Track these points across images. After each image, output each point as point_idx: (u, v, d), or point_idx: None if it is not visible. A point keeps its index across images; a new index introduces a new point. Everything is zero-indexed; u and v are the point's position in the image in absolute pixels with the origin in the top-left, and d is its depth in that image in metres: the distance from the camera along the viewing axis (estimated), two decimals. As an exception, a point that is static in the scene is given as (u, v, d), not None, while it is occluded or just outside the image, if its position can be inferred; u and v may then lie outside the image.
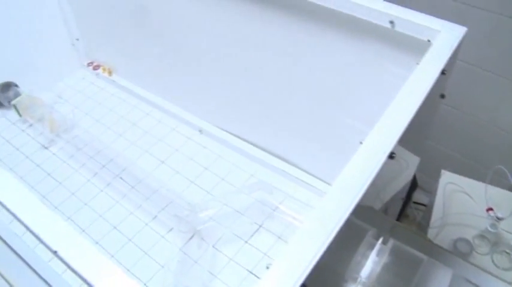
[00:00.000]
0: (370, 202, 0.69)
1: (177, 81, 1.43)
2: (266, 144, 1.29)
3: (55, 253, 0.53)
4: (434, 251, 1.01)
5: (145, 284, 1.06)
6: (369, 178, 0.59)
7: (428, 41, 0.84)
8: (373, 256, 0.90)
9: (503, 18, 1.29)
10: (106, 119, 1.47)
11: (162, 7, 1.29)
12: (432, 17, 0.86)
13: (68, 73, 1.65)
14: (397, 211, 1.35)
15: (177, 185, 1.25)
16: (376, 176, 0.60)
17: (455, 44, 0.81)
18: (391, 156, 0.63)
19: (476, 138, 1.59)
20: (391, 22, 0.86)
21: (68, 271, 1.03)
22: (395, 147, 0.64)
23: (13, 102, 1.41)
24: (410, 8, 0.88)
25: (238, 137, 1.34)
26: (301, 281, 0.49)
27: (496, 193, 1.31)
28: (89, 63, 1.66)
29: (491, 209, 1.24)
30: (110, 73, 1.61)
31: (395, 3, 0.89)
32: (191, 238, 1.12)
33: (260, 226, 1.14)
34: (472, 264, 1.01)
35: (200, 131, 1.39)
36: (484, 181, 1.33)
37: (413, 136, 0.74)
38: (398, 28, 0.86)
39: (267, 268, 0.51)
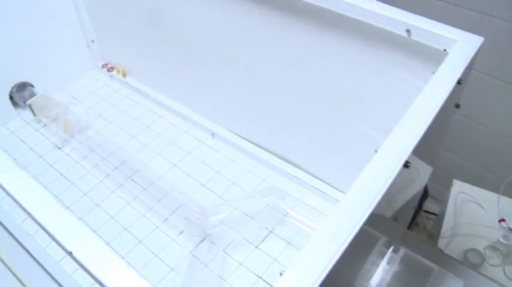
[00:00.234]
0: (381, 210, 0.69)
1: (190, 84, 1.44)
2: (278, 149, 1.29)
3: (70, 253, 0.54)
4: (445, 261, 1.01)
5: (154, 287, 1.06)
6: (384, 186, 0.59)
7: (445, 50, 0.84)
8: (383, 264, 0.90)
9: (520, 28, 1.29)
10: (119, 121, 1.48)
11: (177, 10, 1.30)
12: (449, 26, 0.86)
13: (83, 74, 1.66)
14: (408, 219, 1.34)
15: (189, 188, 1.25)
16: (390, 185, 0.60)
17: (471, 54, 0.80)
18: (406, 165, 0.63)
19: (489, 148, 1.58)
20: (408, 31, 0.86)
21: (78, 271, 1.05)
22: (410, 156, 0.64)
23: (28, 102, 1.43)
24: (427, 17, 0.88)
25: (251, 141, 1.34)
26: (314, 289, 0.49)
27: (508, 203, 1.30)
28: (103, 64, 1.68)
29: (503, 220, 1.24)
30: (124, 75, 1.62)
31: (412, 12, 0.89)
32: (201, 241, 1.12)
33: (271, 231, 1.14)
34: (484, 275, 1.00)
35: (212, 134, 1.39)
36: (496, 192, 1.32)
37: (426, 145, 0.74)
38: (414, 37, 0.86)
39: (281, 274, 0.51)
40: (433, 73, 0.78)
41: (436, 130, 0.79)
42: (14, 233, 1.11)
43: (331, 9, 0.93)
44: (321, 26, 0.99)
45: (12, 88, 1.45)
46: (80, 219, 1.19)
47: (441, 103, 0.71)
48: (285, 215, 1.16)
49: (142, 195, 1.24)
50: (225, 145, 1.37)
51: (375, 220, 0.60)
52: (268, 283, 1.05)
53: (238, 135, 1.37)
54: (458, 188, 1.39)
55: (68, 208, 1.22)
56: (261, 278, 1.06)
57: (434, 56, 0.84)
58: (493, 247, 1.21)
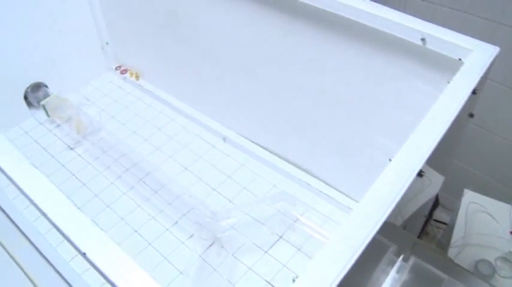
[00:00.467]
0: (392, 218, 0.69)
1: (203, 88, 1.44)
2: (290, 155, 1.29)
3: (84, 254, 0.54)
4: (456, 272, 1.00)
5: (163, 289, 1.06)
6: (398, 195, 0.59)
7: (460, 59, 0.83)
8: (393, 273, 0.89)
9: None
10: (131, 123, 1.49)
11: (191, 14, 1.30)
12: (464, 35, 0.86)
13: (96, 76, 1.67)
14: (419, 228, 1.33)
15: (199, 192, 1.26)
16: (404, 194, 0.59)
17: (487, 64, 0.80)
18: (420, 174, 0.63)
19: (502, 159, 1.57)
20: (423, 39, 0.86)
21: (88, 271, 1.05)
22: (423, 165, 0.64)
23: (42, 102, 1.44)
24: (442, 26, 0.87)
25: (262, 146, 1.34)
26: (326, 296, 0.49)
27: (520, 215, 1.29)
28: (117, 67, 1.69)
29: (515, 231, 1.23)
30: (137, 78, 1.63)
31: (427, 21, 0.89)
32: (211, 245, 1.12)
33: (280, 237, 1.14)
34: (494, 287, 1.00)
35: (224, 139, 1.40)
36: (508, 202, 1.31)
37: (439, 154, 0.74)
38: (429, 46, 0.86)
39: (293, 281, 0.51)
40: (448, 82, 0.78)
41: (449, 139, 0.79)
42: (26, 232, 1.12)
43: (349, 17, 0.93)
44: (338, 34, 0.99)
45: (27, 88, 1.46)
46: (91, 220, 1.19)
47: (456, 113, 0.71)
48: (295, 221, 1.16)
49: (153, 197, 1.24)
50: (237, 150, 1.37)
51: (385, 228, 0.60)
52: (276, 289, 1.05)
53: (250, 140, 1.37)
54: (470, 198, 1.38)
55: (79, 208, 1.22)
56: (270, 283, 1.06)
57: (449, 65, 0.84)
58: (504, 259, 1.20)
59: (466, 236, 1.30)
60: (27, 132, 1.46)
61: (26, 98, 1.48)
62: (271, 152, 1.33)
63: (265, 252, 1.12)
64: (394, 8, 0.91)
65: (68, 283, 1.03)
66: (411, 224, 1.14)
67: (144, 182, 1.28)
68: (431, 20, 0.88)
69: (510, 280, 1.16)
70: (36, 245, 1.10)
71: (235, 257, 1.11)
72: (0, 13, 1.32)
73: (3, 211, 1.17)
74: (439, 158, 0.89)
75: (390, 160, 0.64)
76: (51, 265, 1.07)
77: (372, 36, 0.92)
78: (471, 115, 0.92)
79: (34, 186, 0.65)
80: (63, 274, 1.05)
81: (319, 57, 1.07)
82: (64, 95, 1.49)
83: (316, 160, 1.24)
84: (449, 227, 1.43)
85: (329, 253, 0.53)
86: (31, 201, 0.63)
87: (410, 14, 0.89)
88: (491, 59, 0.81)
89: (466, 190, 1.40)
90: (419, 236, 1.52)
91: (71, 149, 1.40)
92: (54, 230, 0.63)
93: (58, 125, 1.47)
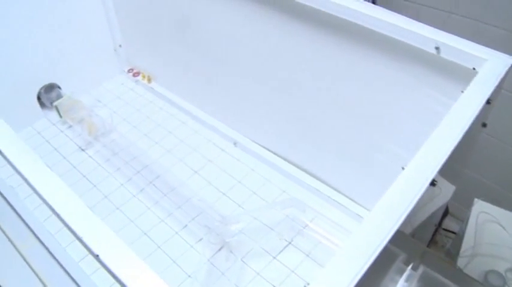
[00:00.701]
0: (403, 226, 0.69)
1: (214, 92, 1.45)
2: (300, 161, 1.29)
3: (97, 257, 0.54)
4: (465, 282, 0.99)
5: (172, 293, 1.06)
6: (410, 204, 0.58)
7: (474, 69, 0.83)
8: (401, 282, 0.89)
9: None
10: (143, 126, 1.49)
11: (204, 19, 1.31)
12: (479, 45, 0.85)
13: (109, 78, 1.68)
14: (428, 237, 1.33)
15: (209, 195, 1.26)
16: (417, 203, 0.59)
17: (502, 74, 0.80)
18: (433, 183, 0.63)
19: (514, 169, 1.56)
20: (437, 48, 0.86)
21: (97, 272, 1.06)
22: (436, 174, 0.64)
23: (55, 103, 1.45)
24: (457, 35, 0.87)
25: (273, 152, 1.34)
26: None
27: (532, 226, 1.28)
28: (129, 69, 1.70)
29: (526, 242, 1.21)
30: (149, 80, 1.64)
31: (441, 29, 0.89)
32: (220, 249, 1.12)
33: (289, 243, 1.14)
34: (505, 298, 0.99)
35: (235, 143, 1.40)
36: (519, 213, 1.30)
37: (450, 164, 0.73)
38: (443, 54, 0.86)
39: (305, 288, 0.51)
40: (462, 92, 0.78)
41: (461, 149, 0.78)
42: (36, 232, 1.13)
43: (363, 25, 0.93)
44: (352, 41, 0.99)
45: (41, 89, 1.48)
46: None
47: (470, 123, 0.71)
48: (304, 227, 1.16)
49: (162, 200, 1.24)
50: (247, 155, 1.37)
51: (395, 237, 0.60)
52: (284, 295, 1.05)
53: (260, 145, 1.37)
54: (480, 208, 1.37)
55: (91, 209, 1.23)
56: (277, 289, 1.06)
57: (463, 75, 0.83)
58: (515, 270, 1.19)
59: (476, 246, 1.29)
60: (40, 132, 1.47)
61: (39, 98, 1.49)
62: (281, 157, 1.33)
63: (274, 257, 1.12)
64: (408, 16, 0.91)
65: (77, 284, 1.04)
66: (420, 233, 1.14)
67: (154, 184, 1.28)
68: (444, 29, 0.88)
69: (520, 291, 1.15)
70: (46, 245, 1.11)
71: (243, 261, 1.11)
72: (16, 15, 1.33)
73: (15, 211, 1.18)
74: (450, 167, 0.88)
75: (403, 168, 0.64)
76: (61, 265, 1.07)
77: (386, 44, 0.92)
78: (484, 125, 0.91)
79: (49, 187, 0.66)
80: (72, 274, 1.05)
81: (333, 65, 1.07)
82: (77, 97, 1.50)
83: (326, 166, 1.24)
84: (459, 236, 1.42)
85: (341, 261, 0.53)
86: (45, 201, 0.64)
87: (423, 22, 0.89)
88: (506, 69, 0.81)
89: (476, 199, 1.39)
90: (428, 245, 1.51)
91: (82, 150, 1.41)
92: (64, 230, 0.64)
93: (70, 126, 1.48)
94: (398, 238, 0.76)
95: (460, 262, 1.27)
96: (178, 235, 1.17)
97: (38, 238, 1.12)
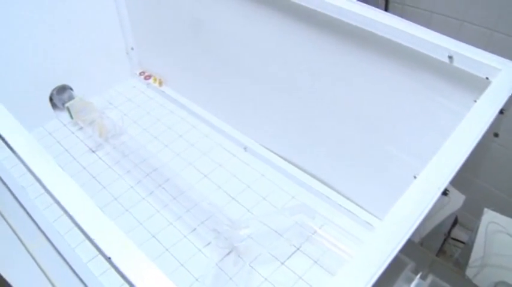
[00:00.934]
0: (413, 235, 0.68)
1: (225, 97, 1.45)
2: (310, 167, 1.29)
3: (109, 259, 0.55)
4: (475, 293, 0.99)
5: (179, 296, 1.06)
6: (422, 214, 0.58)
7: (487, 78, 0.83)
8: (410, 291, 0.88)
9: None
10: (153, 129, 1.50)
11: (216, 23, 1.32)
12: (492, 54, 0.85)
13: (120, 81, 1.70)
14: (437, 246, 1.32)
15: (218, 200, 1.26)
16: (428, 212, 0.59)
17: (515, 84, 0.79)
18: (445, 193, 0.63)
19: (525, 180, 1.55)
20: (450, 57, 0.86)
21: (105, 273, 1.06)
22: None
23: (67, 104, 1.46)
24: (469, 44, 0.87)
25: (283, 157, 1.35)
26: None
27: (542, 237, 1.27)
28: (140, 72, 1.71)
29: (536, 254, 1.20)
30: (161, 84, 1.65)
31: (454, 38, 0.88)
32: (228, 254, 1.12)
33: (298, 249, 1.14)
34: (514, 310, 0.98)
35: (245, 148, 1.40)
36: (530, 224, 1.29)
37: (461, 173, 0.73)
38: (456, 63, 0.85)
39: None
40: (475, 101, 0.78)
41: (472, 158, 0.78)
42: (46, 232, 1.14)
43: (376, 32, 0.93)
44: (365, 50, 0.99)
45: (53, 90, 1.49)
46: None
47: (482, 132, 0.71)
48: (313, 234, 1.15)
49: (172, 204, 1.25)
50: (257, 159, 1.37)
51: (405, 245, 0.60)
52: (292, 301, 1.05)
53: (270, 150, 1.37)
54: (490, 218, 1.36)
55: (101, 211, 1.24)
56: (285, 295, 1.06)
57: (476, 84, 0.83)
58: (524, 281, 1.18)
59: (485, 256, 1.28)
60: (51, 133, 1.48)
61: (51, 99, 1.51)
62: (291, 163, 1.33)
63: (282, 263, 1.11)
64: (419, 24, 0.91)
65: (85, 285, 1.04)
66: (429, 242, 1.13)
67: (163, 187, 1.29)
68: (457, 37, 0.87)
69: (530, 303, 1.14)
70: (56, 245, 1.11)
71: (251, 267, 1.11)
72: (30, 17, 1.34)
73: (25, 210, 1.19)
74: (460, 177, 0.88)
75: (415, 177, 0.64)
76: (69, 265, 1.08)
77: (399, 53, 0.92)
78: (496, 135, 0.91)
79: (62, 188, 0.66)
80: (80, 275, 1.06)
81: (347, 72, 1.07)
82: (88, 99, 1.51)
83: (337, 173, 1.24)
84: (468, 246, 1.41)
85: (353, 269, 0.53)
86: (57, 203, 0.64)
87: (435, 30, 0.89)
88: (519, 79, 0.80)
89: (486, 209, 1.38)
90: (436, 255, 1.51)
91: (93, 151, 1.42)
92: (73, 231, 0.64)
93: (81, 128, 1.49)
94: (408, 247, 0.76)
95: (469, 272, 1.26)
96: (187, 239, 1.17)
97: (47, 238, 1.13)
